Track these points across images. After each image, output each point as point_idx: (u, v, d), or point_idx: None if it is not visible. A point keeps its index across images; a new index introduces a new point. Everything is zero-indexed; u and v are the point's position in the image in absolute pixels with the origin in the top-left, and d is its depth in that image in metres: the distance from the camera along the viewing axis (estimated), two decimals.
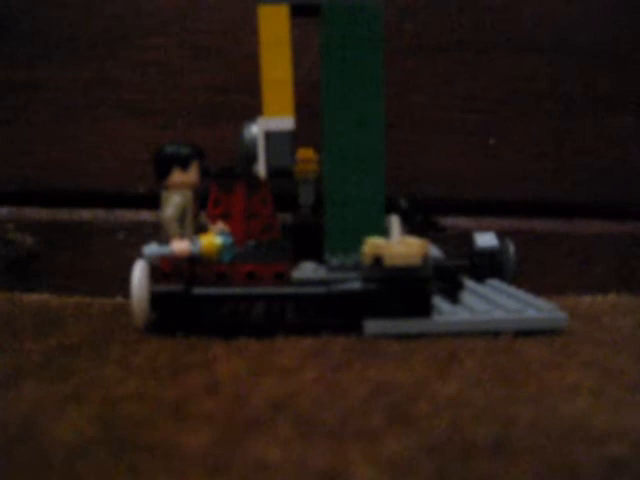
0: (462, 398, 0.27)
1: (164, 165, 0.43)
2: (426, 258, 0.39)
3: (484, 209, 0.62)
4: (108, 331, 0.41)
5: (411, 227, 0.51)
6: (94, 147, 0.59)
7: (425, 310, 0.39)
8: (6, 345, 0.37)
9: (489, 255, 0.50)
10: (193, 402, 0.27)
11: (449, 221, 0.60)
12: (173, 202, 0.43)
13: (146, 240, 0.44)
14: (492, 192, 0.61)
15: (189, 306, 0.40)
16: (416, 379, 0.30)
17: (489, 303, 0.43)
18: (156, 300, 0.40)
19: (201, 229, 0.45)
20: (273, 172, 0.44)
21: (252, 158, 0.45)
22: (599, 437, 0.23)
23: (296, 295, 0.40)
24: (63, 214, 0.59)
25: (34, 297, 0.55)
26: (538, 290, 0.49)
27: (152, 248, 0.41)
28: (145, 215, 0.59)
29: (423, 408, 0.26)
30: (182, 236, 0.43)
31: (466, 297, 0.44)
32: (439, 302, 0.42)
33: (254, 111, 0.45)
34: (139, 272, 0.41)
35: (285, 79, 0.43)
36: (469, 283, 0.49)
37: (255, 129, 0.45)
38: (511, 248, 0.51)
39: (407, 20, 0.60)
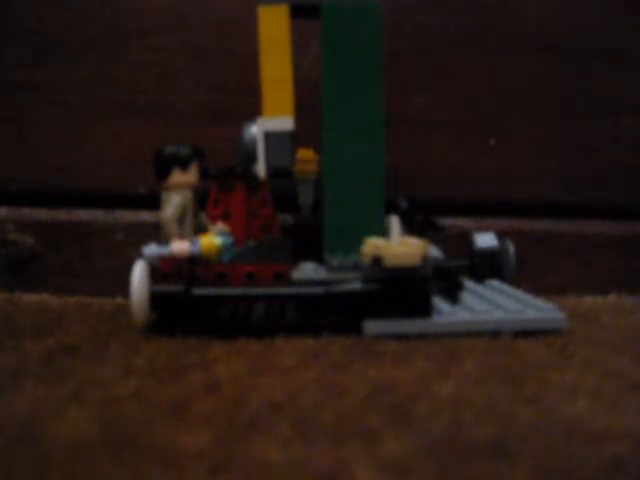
0: (462, 398, 0.27)
1: (164, 165, 0.44)
2: (426, 258, 0.39)
3: (484, 209, 0.62)
4: (108, 331, 0.41)
5: (411, 227, 0.51)
6: (94, 147, 0.59)
7: (425, 310, 0.39)
8: (6, 345, 0.37)
9: (489, 255, 0.50)
10: (193, 402, 0.27)
11: (449, 221, 0.60)
12: (173, 202, 0.43)
13: (146, 240, 0.44)
14: (492, 192, 0.61)
15: (189, 306, 0.40)
16: (416, 379, 0.30)
17: (489, 303, 0.42)
18: (156, 300, 0.40)
19: (201, 229, 0.45)
20: (273, 172, 0.44)
21: (252, 158, 0.45)
22: (599, 437, 0.23)
23: (296, 295, 0.40)
24: (63, 214, 0.59)
25: (34, 297, 0.55)
26: (538, 290, 0.49)
27: (152, 248, 0.41)
28: (145, 215, 0.59)
29: (423, 408, 0.26)
30: (182, 236, 0.43)
31: (466, 297, 0.44)
32: (439, 302, 0.42)
33: (254, 111, 0.45)
34: (139, 272, 0.41)
35: (285, 79, 0.43)
36: (469, 283, 0.49)
37: (255, 129, 0.45)
38: (511, 248, 0.51)
39: (407, 20, 0.60)
